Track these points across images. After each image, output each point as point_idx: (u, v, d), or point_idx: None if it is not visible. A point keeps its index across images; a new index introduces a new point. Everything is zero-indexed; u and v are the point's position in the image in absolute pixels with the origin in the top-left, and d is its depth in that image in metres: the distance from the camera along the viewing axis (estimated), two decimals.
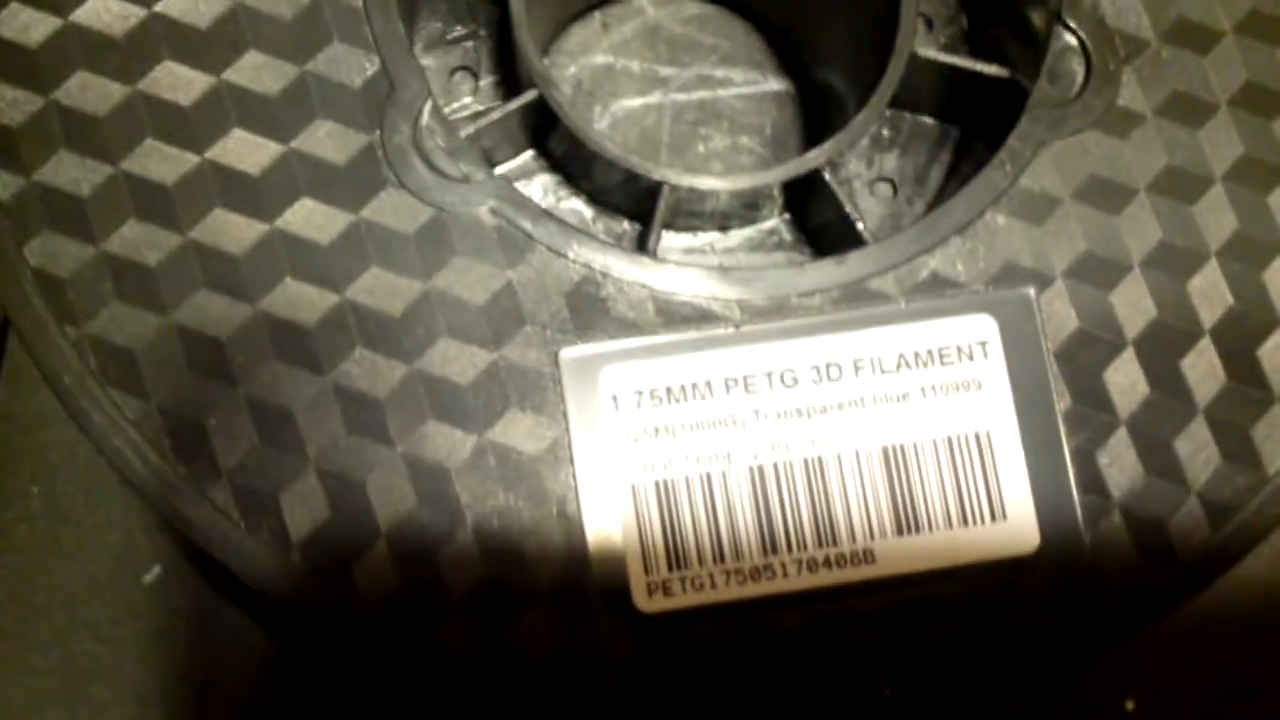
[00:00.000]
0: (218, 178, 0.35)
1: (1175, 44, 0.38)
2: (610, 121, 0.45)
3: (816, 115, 0.46)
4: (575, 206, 0.41)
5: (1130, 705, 0.40)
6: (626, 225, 0.41)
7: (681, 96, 0.46)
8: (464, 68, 0.42)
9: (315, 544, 0.33)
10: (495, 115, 0.38)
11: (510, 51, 0.41)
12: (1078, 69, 0.38)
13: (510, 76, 0.42)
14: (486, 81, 0.42)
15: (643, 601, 0.34)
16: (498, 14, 0.42)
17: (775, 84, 0.46)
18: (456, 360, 0.34)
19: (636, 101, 0.46)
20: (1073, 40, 0.38)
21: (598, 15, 0.46)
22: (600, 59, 0.46)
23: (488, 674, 0.33)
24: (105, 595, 0.42)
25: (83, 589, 0.42)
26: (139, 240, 0.34)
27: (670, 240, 0.41)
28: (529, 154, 0.41)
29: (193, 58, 0.35)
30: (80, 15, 0.35)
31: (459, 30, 0.42)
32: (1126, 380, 0.36)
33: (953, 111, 0.42)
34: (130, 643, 0.41)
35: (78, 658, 0.41)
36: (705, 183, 0.38)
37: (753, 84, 0.46)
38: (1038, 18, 0.39)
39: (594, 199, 0.41)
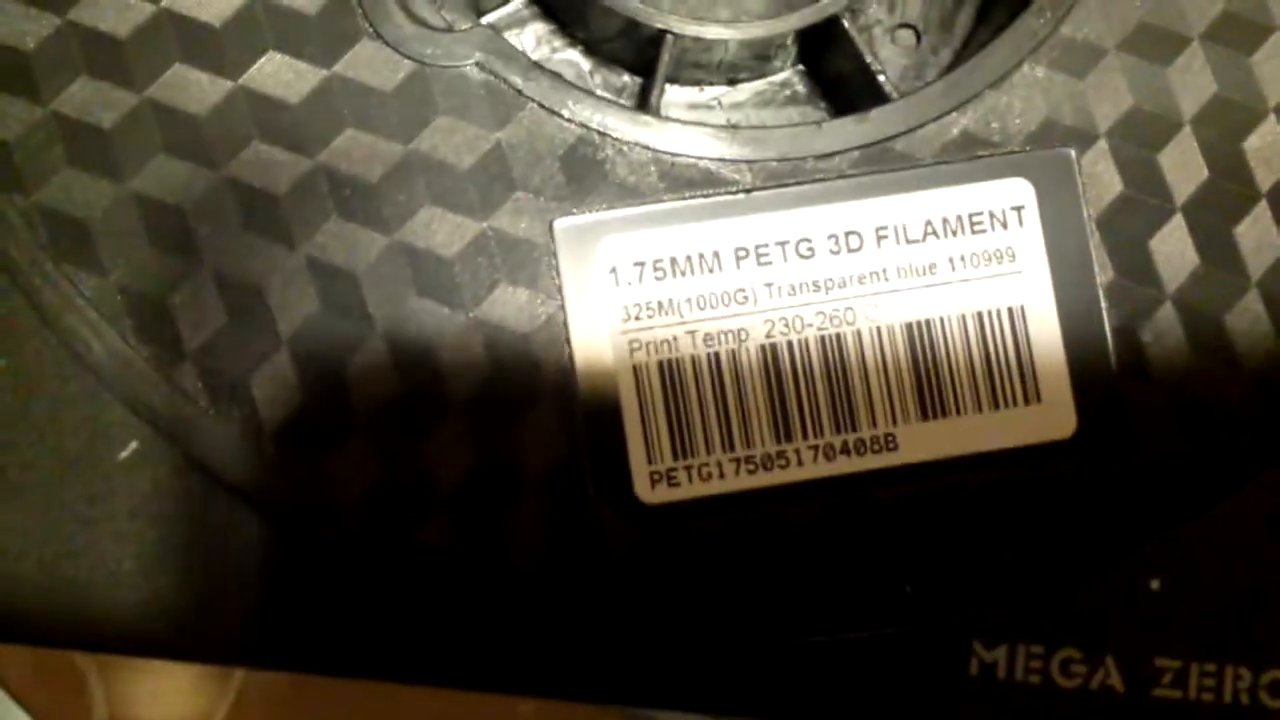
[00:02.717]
0: (176, 29, 0.32)
1: None
2: None
3: None
4: (571, 58, 0.39)
5: (1156, 584, 0.38)
6: (627, 78, 0.39)
7: None
8: None
9: (289, 433, 0.32)
10: None
11: None
12: None
13: None
14: None
15: (645, 492, 0.32)
16: None
17: None
18: (441, 230, 0.32)
19: None
20: None
21: None
22: None
23: (477, 571, 0.32)
24: (80, 473, 0.40)
25: (56, 467, 0.40)
26: (91, 100, 0.32)
27: (674, 95, 0.38)
28: (520, 1, 0.39)
29: None
30: None
31: None
32: (1174, 249, 0.33)
33: None
34: (107, 521, 0.40)
35: (53, 539, 0.40)
36: (713, 31, 0.36)
37: None
38: None
39: (591, 50, 0.39)
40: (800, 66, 0.39)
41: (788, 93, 0.39)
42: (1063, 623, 0.34)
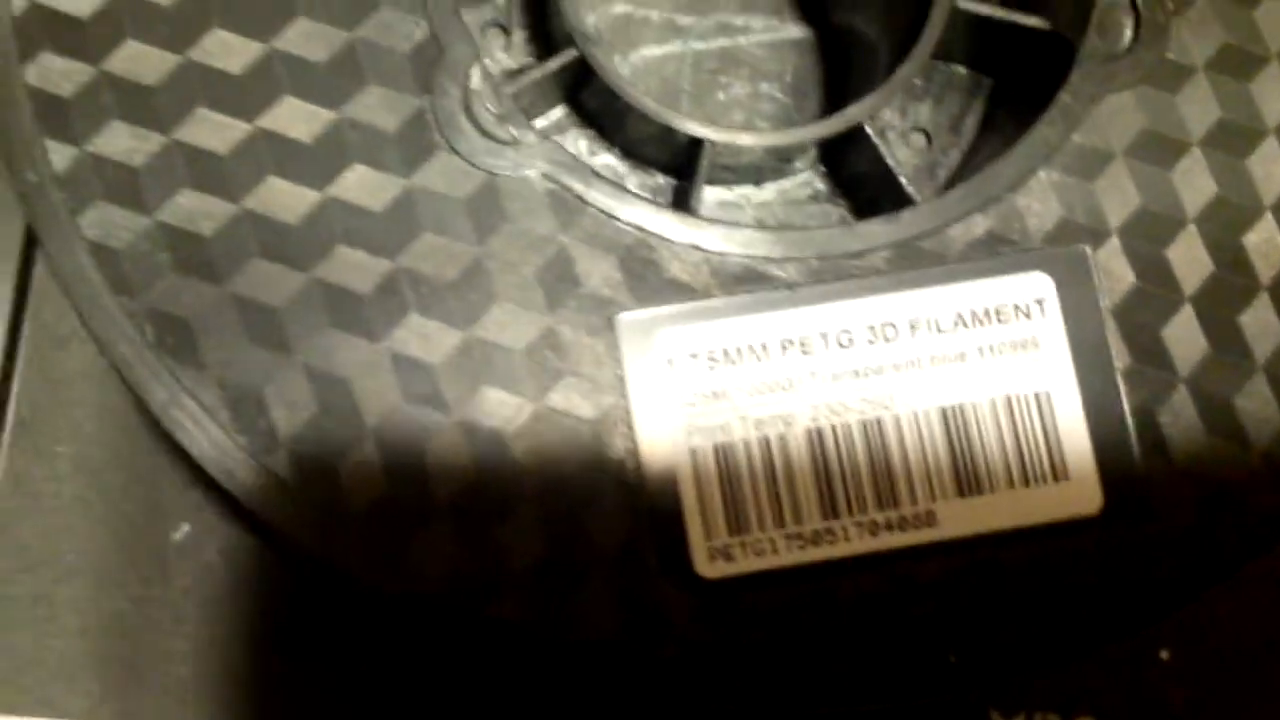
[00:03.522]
0: (270, 146, 0.34)
1: None
2: (630, 71, 0.44)
3: (837, 62, 0.46)
4: (608, 161, 0.41)
5: (1166, 654, 0.40)
6: (661, 179, 0.41)
7: (701, 44, 0.45)
8: (495, 23, 0.41)
9: (374, 517, 0.33)
10: (535, 74, 0.38)
11: (543, 6, 0.41)
12: (1126, 22, 0.38)
13: (541, 31, 0.42)
14: (518, 37, 0.42)
15: (704, 567, 0.33)
16: None
17: (794, 31, 0.46)
18: (511, 326, 0.34)
19: (656, 50, 0.45)
20: None
21: None
22: (619, 8, 0.45)
23: (548, 643, 0.33)
24: (135, 554, 0.41)
25: (112, 549, 0.42)
26: (193, 210, 0.34)
27: (705, 194, 0.40)
28: (561, 110, 0.41)
29: (242, 25, 0.35)
30: None
31: None
32: (1185, 337, 0.36)
33: (987, 62, 0.42)
34: (161, 602, 0.41)
35: (108, 618, 0.41)
36: (747, 138, 0.38)
37: (772, 31, 0.46)
38: None
39: (628, 153, 0.41)
40: (821, 167, 0.41)
41: (809, 191, 0.41)
42: (1076, 691, 0.35)
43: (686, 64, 0.45)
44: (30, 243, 0.46)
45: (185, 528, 0.42)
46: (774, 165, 0.40)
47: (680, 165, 0.40)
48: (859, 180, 0.40)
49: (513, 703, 0.35)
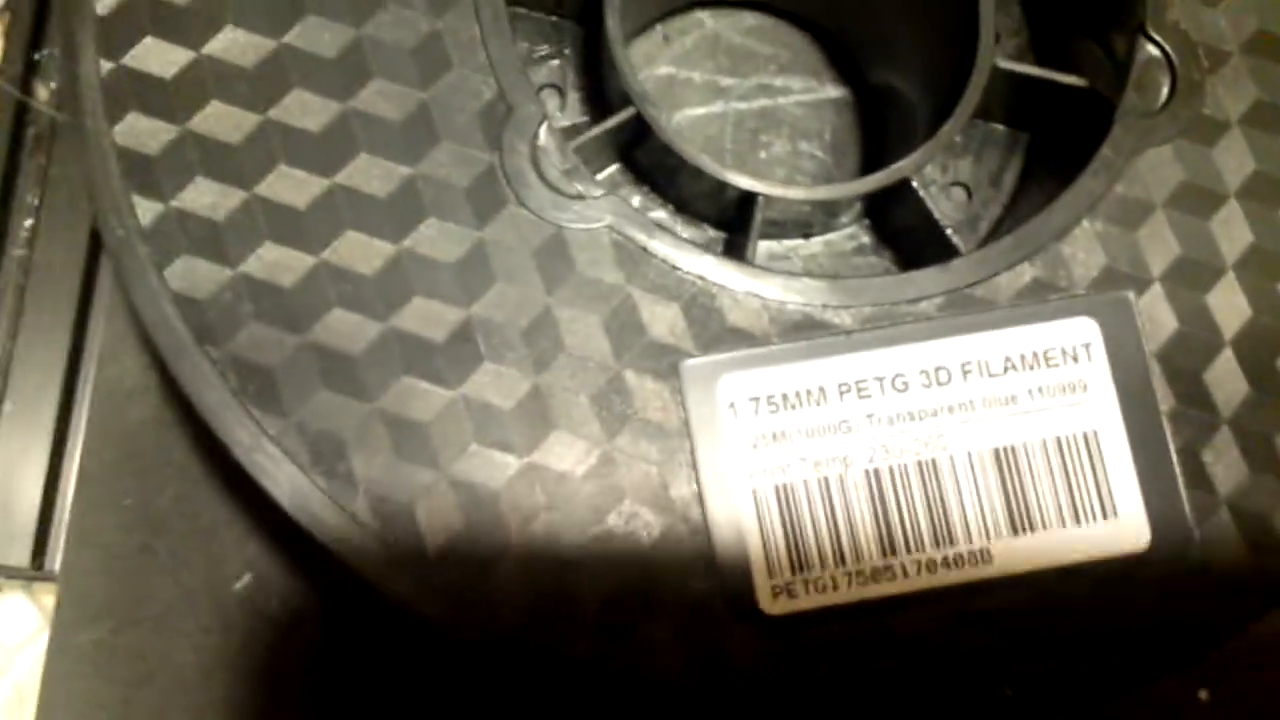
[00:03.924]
0: (347, 200, 0.36)
1: (1256, 55, 0.39)
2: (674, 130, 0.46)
3: (874, 120, 0.47)
4: (660, 217, 0.42)
5: (1204, 695, 0.40)
6: (711, 233, 0.42)
7: (742, 105, 0.47)
8: (551, 85, 0.43)
9: (450, 557, 0.34)
10: (595, 131, 0.39)
11: (597, 69, 0.42)
12: (1163, 80, 0.39)
13: (595, 92, 0.43)
14: (572, 98, 0.43)
15: (768, 604, 0.34)
16: (583, 33, 0.43)
17: (833, 91, 0.48)
18: (580, 373, 0.35)
19: (699, 110, 0.47)
20: (1157, 52, 0.39)
21: (659, 28, 0.47)
22: (663, 70, 0.47)
23: (617, 681, 0.34)
24: (197, 604, 0.42)
25: (174, 598, 0.42)
26: (274, 262, 0.35)
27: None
28: (615, 167, 0.42)
29: (320, 86, 0.36)
30: (213, 47, 0.36)
31: (544, 49, 0.43)
32: (1226, 379, 0.37)
33: (1026, 118, 0.43)
34: (222, 651, 0.42)
35: (170, 667, 0.42)
36: (799, 193, 0.39)
37: (811, 91, 0.47)
38: (1119, 30, 0.40)
39: (680, 209, 0.42)
40: (866, 221, 0.43)
41: (855, 244, 0.42)
42: None
43: (728, 123, 0.47)
44: (86, 300, 0.47)
45: (246, 577, 0.43)
46: (822, 219, 0.41)
47: (730, 220, 0.41)
48: (904, 233, 0.42)
49: None
